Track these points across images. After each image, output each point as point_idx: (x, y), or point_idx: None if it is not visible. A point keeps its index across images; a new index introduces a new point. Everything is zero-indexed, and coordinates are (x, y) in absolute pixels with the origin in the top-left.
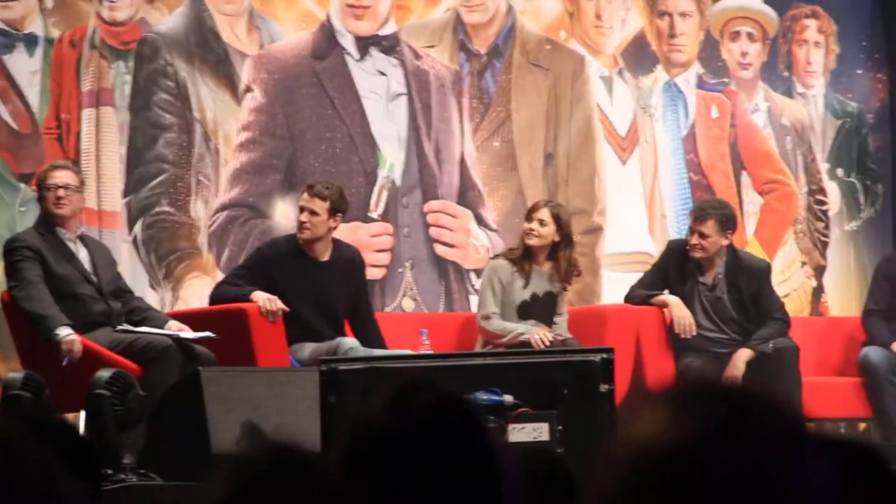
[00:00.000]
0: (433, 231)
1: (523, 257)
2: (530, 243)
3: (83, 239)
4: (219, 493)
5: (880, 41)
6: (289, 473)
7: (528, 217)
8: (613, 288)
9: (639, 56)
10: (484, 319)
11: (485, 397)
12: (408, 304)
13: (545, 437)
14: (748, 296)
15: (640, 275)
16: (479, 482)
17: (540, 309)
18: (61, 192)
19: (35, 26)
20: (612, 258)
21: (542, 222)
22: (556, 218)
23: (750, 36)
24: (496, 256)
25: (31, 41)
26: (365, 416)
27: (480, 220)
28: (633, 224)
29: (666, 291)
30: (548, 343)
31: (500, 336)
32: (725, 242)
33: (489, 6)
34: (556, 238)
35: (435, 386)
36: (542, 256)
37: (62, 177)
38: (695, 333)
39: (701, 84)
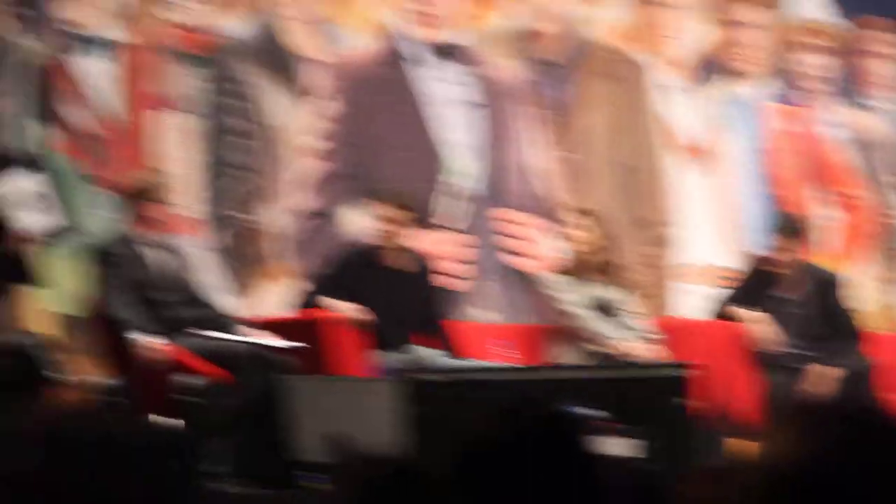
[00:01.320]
0: (503, 240)
1: (576, 265)
2: (578, 249)
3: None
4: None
5: None
6: (407, 482)
7: (573, 225)
8: (689, 300)
9: (709, 67)
10: (575, 310)
11: (575, 411)
12: (490, 316)
13: (632, 451)
14: (826, 311)
15: (717, 289)
16: (585, 494)
17: (602, 314)
18: None
19: (109, 30)
20: (686, 270)
21: (587, 228)
22: (601, 223)
23: (823, 49)
24: (550, 269)
25: (104, 45)
26: (474, 428)
27: (552, 231)
28: (705, 236)
29: (749, 306)
30: (635, 354)
31: (590, 332)
32: (803, 257)
33: (559, 16)
34: (603, 242)
35: (543, 402)
36: (594, 262)
37: None
38: (777, 349)
39: (773, 97)
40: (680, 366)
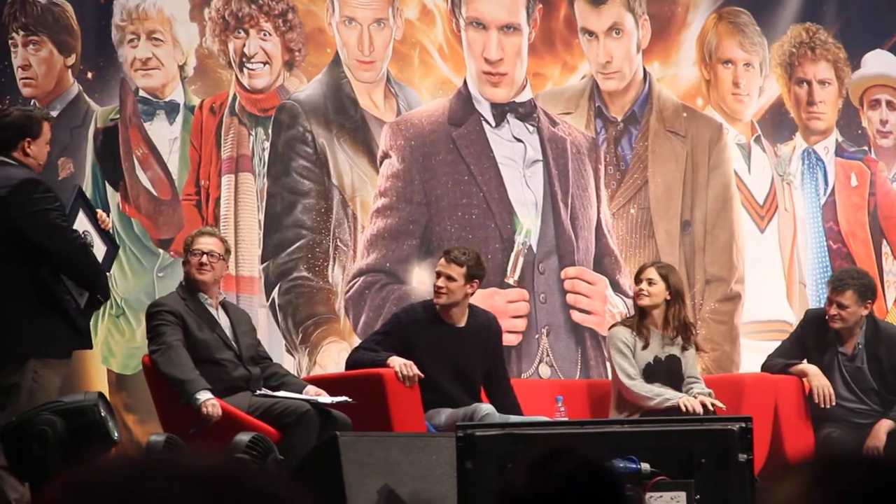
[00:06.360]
0: (570, 297)
1: (639, 321)
2: (641, 304)
3: (224, 305)
4: None
5: None
6: None
7: (637, 279)
8: (751, 356)
9: (777, 123)
10: (629, 379)
11: (622, 465)
12: (544, 371)
13: None
14: (888, 366)
15: (779, 343)
16: None
17: (664, 371)
18: (205, 259)
19: (176, 94)
20: (750, 326)
21: (650, 282)
22: (665, 278)
23: (889, 104)
24: (613, 325)
25: (171, 109)
26: (507, 481)
27: (617, 287)
28: (771, 292)
29: (804, 361)
30: (698, 410)
31: (648, 399)
32: (865, 312)
33: (626, 73)
34: (667, 297)
35: (576, 453)
36: (657, 318)
37: (207, 243)
38: (834, 404)
39: (840, 152)
40: (742, 420)
